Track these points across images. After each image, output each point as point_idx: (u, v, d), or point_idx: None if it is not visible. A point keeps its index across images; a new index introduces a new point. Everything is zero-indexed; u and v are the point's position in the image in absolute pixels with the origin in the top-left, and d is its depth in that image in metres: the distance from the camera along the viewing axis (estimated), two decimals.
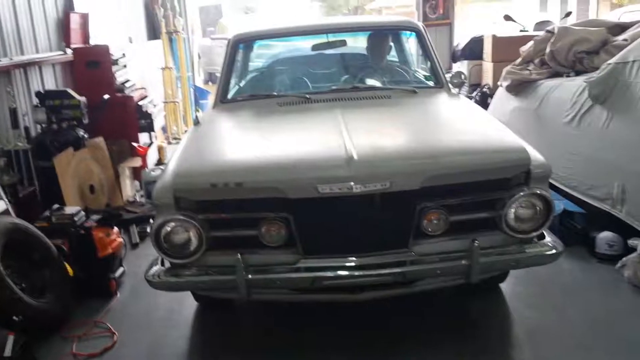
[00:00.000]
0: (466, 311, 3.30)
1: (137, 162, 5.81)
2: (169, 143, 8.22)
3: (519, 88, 5.41)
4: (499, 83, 5.86)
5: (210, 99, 10.10)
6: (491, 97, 6.55)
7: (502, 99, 5.81)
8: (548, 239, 2.74)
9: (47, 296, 3.33)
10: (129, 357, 3.06)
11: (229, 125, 3.60)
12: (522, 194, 2.58)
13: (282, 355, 3.00)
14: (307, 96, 3.66)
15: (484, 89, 6.97)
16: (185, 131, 9.01)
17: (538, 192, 2.59)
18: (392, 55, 4.61)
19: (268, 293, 2.79)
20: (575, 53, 4.86)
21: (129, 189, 5.69)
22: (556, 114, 4.66)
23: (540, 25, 7.91)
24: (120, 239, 3.97)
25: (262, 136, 3.15)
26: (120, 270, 3.95)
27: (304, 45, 4.91)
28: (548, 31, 5.32)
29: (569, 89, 4.58)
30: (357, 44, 4.81)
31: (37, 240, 3.46)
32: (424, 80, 4.16)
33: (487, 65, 7.29)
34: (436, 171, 2.53)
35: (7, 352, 2.81)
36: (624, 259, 3.56)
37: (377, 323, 3.17)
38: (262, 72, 4.68)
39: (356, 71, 4.17)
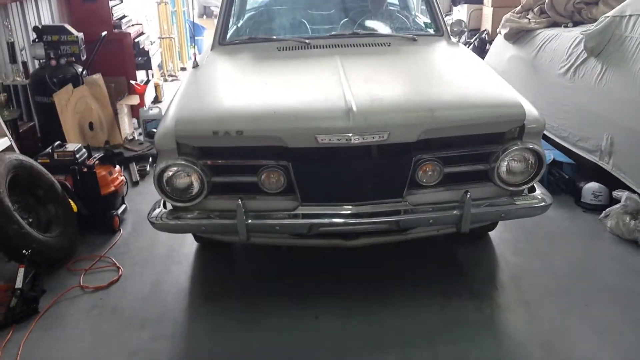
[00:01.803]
0: (455, 256, 3.45)
1: (135, 100, 5.84)
2: (165, 80, 8.19)
3: (517, 36, 5.43)
4: (497, 30, 5.86)
5: (206, 36, 10.00)
6: (490, 43, 6.56)
7: (500, 46, 5.83)
8: (538, 191, 2.83)
9: (53, 231, 3.46)
10: (134, 290, 3.21)
11: (228, 69, 3.57)
12: (515, 147, 2.64)
13: (277, 292, 3.14)
14: (307, 41, 3.66)
15: (483, 35, 6.96)
16: (182, 69, 8.97)
17: (531, 146, 2.65)
18: (392, 0, 4.57)
19: (266, 237, 2.89)
20: (575, 3, 4.89)
21: (127, 126, 5.73)
22: (552, 64, 4.72)
23: None
24: (122, 177, 4.07)
25: (263, 83, 3.17)
26: (123, 207, 4.06)
27: None
28: None
29: (565, 40, 4.62)
30: None
31: (42, 176, 3.55)
32: (424, 27, 4.16)
33: (487, 11, 7.26)
34: (433, 125, 2.58)
35: (18, 283, 2.96)
36: (608, 209, 3.72)
37: (370, 266, 3.32)
38: (261, 12, 4.61)
39: (356, 15, 4.12)
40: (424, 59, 3.61)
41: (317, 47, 3.62)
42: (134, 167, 4.85)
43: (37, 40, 5.00)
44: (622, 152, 3.73)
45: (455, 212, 2.67)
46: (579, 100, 4.25)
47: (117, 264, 3.44)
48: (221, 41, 3.93)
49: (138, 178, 4.74)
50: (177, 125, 2.66)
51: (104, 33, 5.30)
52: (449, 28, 3.94)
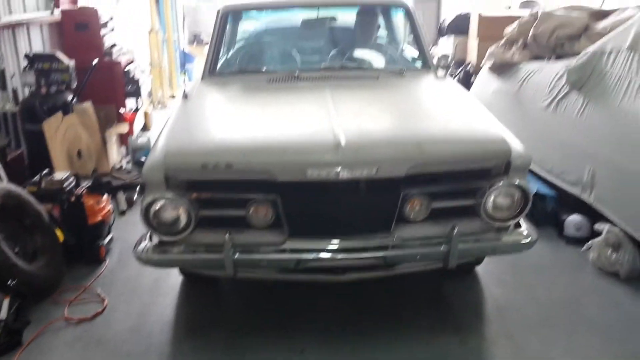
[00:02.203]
0: (440, 289, 3.47)
1: (124, 128, 5.87)
2: (154, 108, 8.23)
3: (501, 69, 5.54)
4: (480, 65, 5.98)
5: (196, 64, 10.10)
6: (474, 75, 6.68)
7: (485, 79, 5.94)
8: (524, 227, 2.84)
9: (39, 261, 3.44)
10: (119, 322, 3.19)
11: (218, 101, 3.60)
12: (501, 184, 2.66)
13: (263, 326, 3.14)
14: (296, 74, 3.70)
15: (468, 68, 7.09)
16: (171, 97, 9.04)
17: (517, 182, 2.67)
18: (380, 33, 4.66)
19: (254, 272, 2.87)
20: (557, 38, 4.99)
21: (116, 155, 5.75)
22: (535, 97, 4.81)
23: (525, 4, 8.03)
24: (110, 207, 4.08)
25: (252, 115, 3.19)
26: (109, 237, 4.06)
27: (292, 16, 4.91)
28: (532, 14, 5.43)
29: (548, 74, 4.72)
30: (345, 17, 4.80)
31: (29, 205, 3.54)
32: (412, 61, 4.21)
33: (472, 42, 7.39)
34: (421, 160, 2.60)
35: (2, 314, 2.95)
36: (590, 242, 3.77)
37: (357, 300, 3.32)
38: (251, 44, 4.67)
39: (344, 48, 4.20)
40: (411, 92, 3.66)
41: (306, 80, 3.68)
42: (121, 196, 4.85)
43: (28, 67, 5.04)
44: (603, 185, 3.79)
45: (442, 247, 2.67)
46: (562, 134, 4.33)
47: (102, 295, 3.43)
48: (211, 72, 3.97)
49: (125, 207, 4.75)
50: (166, 157, 2.66)
51: (95, 61, 5.36)
52: (435, 62, 3.99)
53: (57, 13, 5.84)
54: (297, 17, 4.76)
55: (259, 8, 4.60)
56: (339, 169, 2.52)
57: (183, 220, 2.66)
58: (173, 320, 3.25)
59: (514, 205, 2.72)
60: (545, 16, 5.12)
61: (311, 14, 4.55)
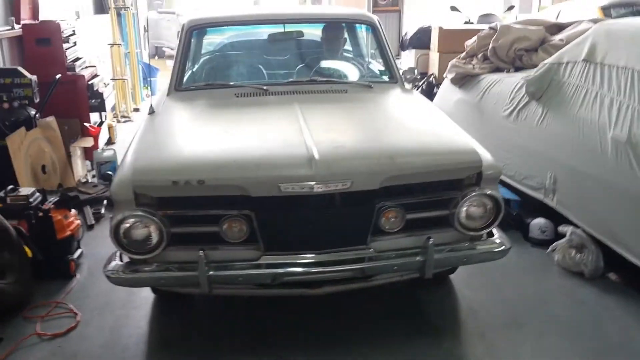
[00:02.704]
0: (413, 293, 3.53)
1: (89, 142, 5.79)
2: (118, 122, 8.14)
3: (463, 81, 5.69)
4: (444, 75, 6.14)
5: (159, 77, 10.04)
6: (437, 86, 6.85)
7: (447, 90, 6.10)
8: (497, 235, 2.91)
9: (8, 278, 3.37)
10: (93, 336, 3.15)
11: (186, 116, 3.55)
12: (473, 194, 2.72)
13: (239, 336, 3.15)
14: (265, 87, 3.71)
15: (430, 79, 7.26)
16: (135, 110, 8.95)
17: (488, 192, 2.74)
18: (347, 47, 4.71)
19: (229, 288, 2.85)
20: (516, 50, 5.18)
21: (80, 169, 5.67)
22: (496, 107, 4.96)
23: (484, 17, 8.31)
24: (78, 221, 4.02)
25: (222, 130, 3.16)
26: (79, 251, 4.00)
27: (258, 31, 4.92)
28: (491, 28, 5.62)
29: (508, 85, 4.89)
30: (313, 31, 4.82)
31: None
32: (379, 74, 4.27)
33: (434, 56, 7.58)
34: (395, 172, 2.64)
35: None
36: (555, 244, 3.91)
37: (332, 309, 3.33)
38: (217, 58, 4.64)
39: (312, 62, 4.23)
40: (381, 106, 3.71)
41: (275, 94, 3.68)
42: (88, 211, 4.79)
43: None
44: (565, 189, 3.95)
45: (418, 258, 2.71)
46: (523, 141, 4.49)
47: (75, 310, 3.38)
48: (177, 87, 3.90)
49: (93, 221, 4.68)
50: (135, 175, 2.61)
51: (58, 76, 5.28)
52: (402, 75, 4.06)
53: (17, 28, 5.74)
54: (263, 31, 4.76)
55: (225, 24, 4.57)
56: (313, 183, 2.52)
57: (154, 238, 2.61)
58: (147, 333, 3.23)
59: (487, 214, 2.78)
60: (504, 30, 5.31)
61: (278, 29, 4.55)
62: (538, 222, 4.20)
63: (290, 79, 3.98)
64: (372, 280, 2.84)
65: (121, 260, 2.74)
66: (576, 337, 3.08)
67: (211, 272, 2.61)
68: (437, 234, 2.77)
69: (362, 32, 4.76)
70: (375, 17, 4.34)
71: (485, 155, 2.82)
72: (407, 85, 4.04)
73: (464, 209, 2.75)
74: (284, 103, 3.52)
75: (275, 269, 2.65)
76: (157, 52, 15.65)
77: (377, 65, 4.43)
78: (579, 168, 3.77)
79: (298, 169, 2.57)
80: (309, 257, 2.67)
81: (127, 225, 2.58)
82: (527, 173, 4.41)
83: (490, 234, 2.90)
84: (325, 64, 4.31)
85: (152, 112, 3.59)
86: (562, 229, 3.89)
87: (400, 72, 4.10)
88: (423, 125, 3.29)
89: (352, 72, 4.29)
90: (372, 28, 4.26)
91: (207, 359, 2.96)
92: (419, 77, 4.20)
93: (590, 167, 3.65)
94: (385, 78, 4.14)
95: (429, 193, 2.78)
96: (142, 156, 2.81)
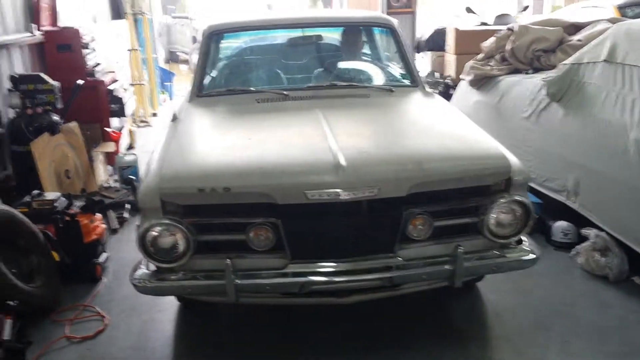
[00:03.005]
0: (438, 297, 3.50)
1: (110, 147, 5.87)
2: (137, 126, 8.22)
3: (481, 82, 5.69)
4: (461, 77, 6.14)
5: (175, 82, 10.13)
6: (453, 88, 6.84)
7: (464, 92, 6.10)
8: (526, 243, 2.85)
9: (36, 281, 3.43)
10: (122, 339, 3.20)
11: (209, 122, 3.52)
12: (502, 200, 2.68)
13: (264, 340, 3.17)
14: (285, 93, 3.70)
15: (447, 80, 7.25)
16: (153, 114, 9.03)
17: (518, 198, 2.69)
18: (366, 51, 4.70)
19: (255, 297, 2.81)
20: (534, 51, 5.18)
21: (102, 174, 5.74)
22: (515, 109, 4.97)
23: (500, 18, 8.26)
24: (104, 225, 4.08)
25: (246, 137, 3.11)
26: (104, 255, 4.06)
27: (277, 35, 4.88)
28: (509, 29, 5.62)
29: (527, 86, 4.88)
30: (332, 35, 4.80)
31: (24, 226, 3.53)
32: (400, 78, 4.22)
33: (450, 57, 7.58)
34: (423, 178, 2.60)
35: (7, 335, 2.93)
36: (578, 247, 3.90)
37: (357, 313, 3.27)
38: (237, 63, 4.60)
39: (332, 66, 4.22)
40: (404, 110, 3.68)
41: (296, 99, 3.66)
42: (112, 215, 4.85)
43: (12, 89, 5.01)
44: (588, 191, 3.94)
45: (447, 266, 2.67)
46: (544, 143, 4.48)
47: (102, 313, 3.43)
48: (199, 93, 3.90)
49: (117, 226, 4.74)
50: (162, 183, 2.61)
51: (80, 82, 5.36)
52: (423, 79, 4.04)
53: (37, 34, 5.83)
54: (283, 35, 4.74)
55: (245, 29, 4.55)
56: (339, 190, 2.50)
57: (181, 246, 2.60)
58: (174, 336, 3.28)
59: (516, 221, 2.74)
60: (522, 30, 5.31)
61: (297, 33, 4.53)
62: (560, 225, 4.18)
63: (311, 84, 3.97)
64: (399, 288, 2.81)
65: (147, 268, 2.72)
66: (602, 341, 3.08)
67: (238, 281, 2.59)
68: (466, 241, 2.73)
69: (380, 35, 4.72)
70: (394, 20, 4.33)
71: (514, 161, 2.78)
72: (429, 89, 4.01)
73: (493, 215, 2.70)
74: (306, 108, 3.50)
75: (302, 278, 2.63)
76: (171, 57, 15.73)
77: (396, 69, 4.41)
78: (600, 170, 3.76)
79: (324, 176, 2.54)
80: (336, 266, 2.64)
81: (154, 233, 2.58)
82: (549, 175, 4.40)
83: (519, 241, 2.85)
84: (345, 68, 4.29)
85: (174, 119, 3.59)
86: (585, 231, 3.88)
87: (421, 75, 4.08)
88: (449, 129, 3.25)
89: (372, 76, 4.26)
90: (391, 31, 4.24)
91: None
92: (441, 80, 4.21)
93: (612, 169, 3.65)
94: (406, 82, 4.10)
95: (457, 199, 2.74)
96: (168, 164, 2.79)
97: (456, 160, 2.76)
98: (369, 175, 2.56)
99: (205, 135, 3.31)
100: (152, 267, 2.71)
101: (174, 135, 3.27)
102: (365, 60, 4.58)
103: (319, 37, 4.43)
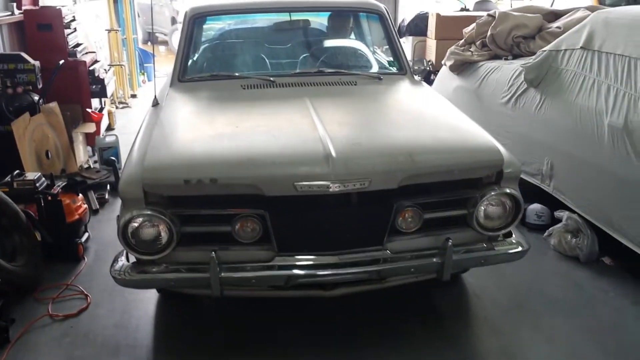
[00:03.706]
0: (420, 282, 3.55)
1: (91, 127, 5.84)
2: (116, 107, 8.17)
3: (461, 68, 5.77)
4: (442, 62, 6.20)
5: (156, 63, 10.03)
6: (434, 73, 6.91)
7: (445, 77, 6.17)
8: (514, 236, 2.84)
9: (19, 260, 3.44)
10: (105, 317, 3.23)
11: (193, 109, 3.42)
12: (493, 193, 2.63)
13: (248, 326, 3.18)
14: (272, 79, 3.61)
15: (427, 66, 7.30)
16: (132, 95, 8.97)
17: (508, 191, 2.65)
18: (354, 37, 4.62)
19: (240, 290, 2.76)
20: (514, 37, 5.26)
21: (82, 154, 5.72)
22: (494, 94, 5.05)
23: (480, 4, 8.34)
24: (85, 205, 4.09)
25: (233, 125, 2.99)
26: (86, 235, 4.08)
27: (262, 19, 4.81)
28: (489, 15, 5.69)
29: (506, 72, 4.96)
30: (320, 20, 4.69)
31: (7, 206, 3.54)
32: (387, 65, 4.13)
33: (431, 42, 7.64)
34: (415, 171, 2.54)
35: None
36: (551, 228, 4.03)
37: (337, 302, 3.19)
38: (221, 47, 4.43)
39: (318, 52, 4.11)
40: (392, 99, 3.64)
41: (282, 86, 3.57)
42: (92, 195, 4.85)
43: None
44: (561, 175, 4.05)
45: (435, 259, 2.63)
46: (521, 128, 4.57)
47: (85, 292, 3.46)
48: (181, 78, 3.78)
49: (98, 206, 4.75)
50: (145, 172, 2.50)
51: (61, 62, 5.32)
52: (411, 67, 3.98)
53: (17, 13, 5.75)
54: (268, 19, 4.64)
55: (229, 12, 4.40)
56: (330, 182, 2.43)
57: (164, 237, 2.51)
58: (158, 314, 3.31)
59: (506, 214, 2.72)
60: (503, 17, 5.38)
61: (283, 17, 4.42)
62: (534, 208, 4.30)
63: (298, 70, 3.89)
64: (387, 281, 2.78)
65: (128, 260, 2.64)
66: (572, 317, 3.21)
67: (223, 274, 2.51)
68: (454, 234, 2.69)
69: (367, 21, 4.60)
70: (382, 6, 4.24)
71: (506, 153, 2.75)
72: (417, 77, 3.94)
73: (483, 208, 2.67)
74: (293, 95, 3.42)
75: (289, 271, 2.57)
76: (150, 38, 15.51)
77: (384, 56, 4.33)
78: (575, 154, 3.86)
79: (314, 167, 2.47)
80: (323, 259, 2.58)
81: (136, 224, 2.49)
82: (525, 159, 4.47)
83: (508, 234, 2.84)
84: (333, 54, 4.18)
85: (155, 104, 3.50)
86: (558, 214, 4.00)
87: (410, 63, 4.02)
88: (439, 120, 3.18)
89: (359, 63, 4.16)
90: (380, 17, 4.14)
91: (217, 343, 3.04)
92: (429, 68, 4.09)
93: (586, 153, 3.75)
94: (394, 69, 4.03)
95: (447, 192, 2.69)
96: (151, 153, 2.67)
97: (448, 152, 2.70)
98: (360, 167, 2.49)
99: (189, 123, 3.18)
100: (133, 258, 2.63)
101: (156, 122, 3.13)
102: (353, 47, 4.47)
103: (306, 21, 4.33)
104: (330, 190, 2.44)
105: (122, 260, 2.65)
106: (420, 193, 2.64)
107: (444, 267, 2.63)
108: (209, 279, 2.51)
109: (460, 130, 2.99)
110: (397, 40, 4.09)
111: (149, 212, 2.47)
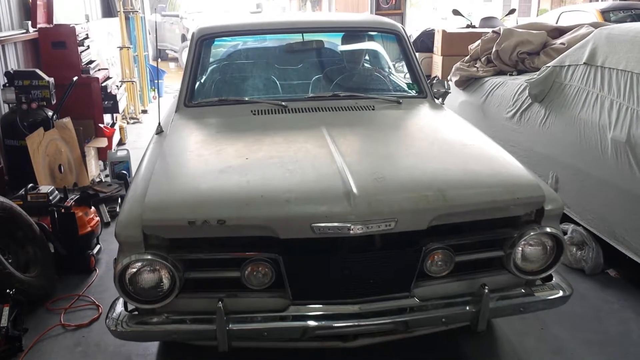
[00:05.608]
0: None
1: (103, 142, 5.95)
2: (127, 123, 8.31)
3: (466, 83, 5.85)
4: (448, 78, 6.28)
5: (166, 79, 10.18)
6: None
7: (451, 92, 6.23)
8: (555, 279, 2.59)
9: (32, 271, 3.53)
10: None
11: (199, 138, 3.14)
12: (532, 232, 2.38)
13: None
14: (283, 103, 3.38)
15: (434, 82, 7.39)
16: (143, 111, 9.10)
17: (550, 231, 2.39)
18: (370, 58, 4.42)
19: (251, 342, 2.52)
20: (518, 54, 5.35)
21: (94, 168, 5.82)
22: (499, 109, 5.12)
23: (486, 21, 8.45)
24: (97, 218, 4.17)
25: (242, 157, 2.72)
26: (98, 247, 4.15)
27: (273, 40, 4.53)
28: (494, 32, 5.78)
29: (511, 87, 5.04)
30: (329, 39, 4.41)
31: (21, 218, 3.62)
32: (406, 88, 3.88)
33: (437, 59, 7.74)
34: (446, 209, 2.28)
35: (3, 322, 3.02)
36: None
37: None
38: (230, 70, 4.17)
39: (333, 73, 3.89)
40: (415, 125, 3.40)
41: (295, 111, 3.33)
42: (104, 208, 4.93)
43: (7, 84, 5.09)
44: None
45: (469, 308, 2.38)
46: (526, 142, 4.63)
47: (97, 302, 3.52)
48: (188, 102, 3.56)
49: (109, 219, 4.84)
50: (145, 213, 2.24)
51: (75, 78, 5.44)
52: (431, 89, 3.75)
53: (32, 31, 5.90)
54: (279, 40, 4.37)
55: (239, 33, 4.15)
56: (351, 223, 2.17)
57: (165, 283, 2.27)
58: None
59: (547, 255, 2.46)
60: (507, 33, 5.47)
61: (295, 39, 4.11)
62: None
63: (311, 94, 3.65)
64: (414, 329, 2.52)
65: (126, 309, 2.41)
66: (578, 329, 3.23)
67: (231, 325, 2.27)
68: (488, 277, 2.46)
69: (384, 41, 4.35)
70: (400, 26, 4.02)
71: (546, 188, 2.50)
72: (437, 101, 3.73)
73: (521, 249, 2.41)
74: (307, 122, 3.19)
75: (304, 322, 2.32)
76: (160, 55, 15.77)
77: (400, 77, 4.14)
78: (580, 168, 3.91)
79: (334, 207, 2.21)
80: (343, 308, 2.33)
81: (134, 270, 2.26)
82: None
83: (548, 278, 2.59)
84: (348, 77, 3.94)
85: (160, 131, 3.29)
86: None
87: (429, 85, 3.80)
88: (469, 150, 2.86)
89: (377, 86, 3.91)
90: (398, 37, 3.90)
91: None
92: (450, 91, 3.89)
93: (590, 167, 3.80)
94: (413, 92, 3.77)
95: (481, 232, 2.44)
96: (153, 190, 2.40)
97: (484, 188, 2.42)
98: (385, 206, 2.22)
99: (195, 154, 2.91)
100: (132, 307, 2.40)
101: (160, 153, 2.89)
102: (369, 69, 4.25)
103: (320, 42, 4.09)
104: (352, 232, 2.19)
105: (119, 309, 2.42)
106: (451, 233, 2.39)
107: (480, 316, 2.37)
108: (215, 331, 2.28)
109: (493, 162, 2.70)
110: (416, 62, 3.84)
111: (149, 257, 2.23)
